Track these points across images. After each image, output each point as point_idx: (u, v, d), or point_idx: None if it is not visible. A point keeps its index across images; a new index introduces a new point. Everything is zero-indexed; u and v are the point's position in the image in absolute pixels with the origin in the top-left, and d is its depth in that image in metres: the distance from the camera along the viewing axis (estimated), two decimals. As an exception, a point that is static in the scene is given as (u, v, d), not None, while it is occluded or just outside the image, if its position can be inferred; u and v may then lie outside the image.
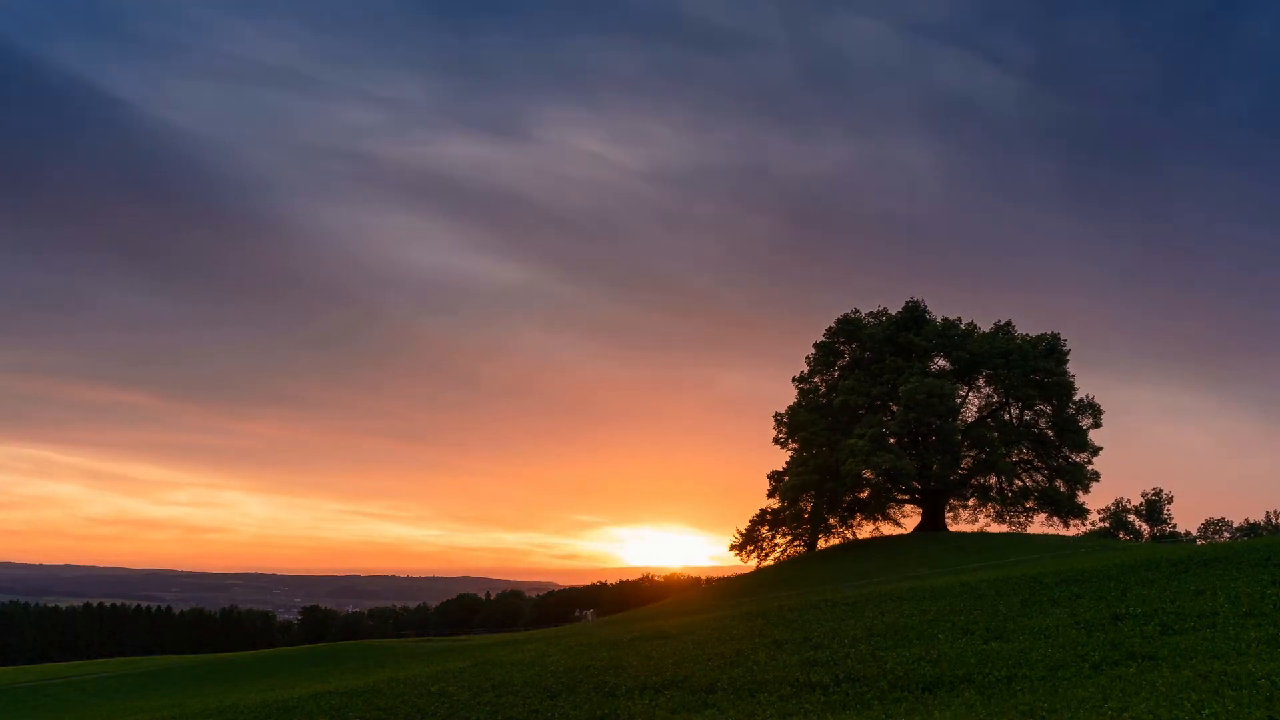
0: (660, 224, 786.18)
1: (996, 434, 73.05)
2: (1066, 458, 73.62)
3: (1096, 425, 73.24)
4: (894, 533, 77.11)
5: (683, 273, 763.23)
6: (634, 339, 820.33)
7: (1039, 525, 74.60)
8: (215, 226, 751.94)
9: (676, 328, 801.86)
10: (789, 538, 79.10)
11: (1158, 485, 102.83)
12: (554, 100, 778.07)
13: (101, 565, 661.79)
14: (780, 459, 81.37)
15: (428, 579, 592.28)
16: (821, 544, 78.49)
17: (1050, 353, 73.12)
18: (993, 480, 75.31)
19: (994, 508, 75.63)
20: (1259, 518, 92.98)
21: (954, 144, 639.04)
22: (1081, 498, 74.20)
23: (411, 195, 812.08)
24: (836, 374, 77.92)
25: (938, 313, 77.87)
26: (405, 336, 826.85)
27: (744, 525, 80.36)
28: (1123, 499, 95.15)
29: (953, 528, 74.87)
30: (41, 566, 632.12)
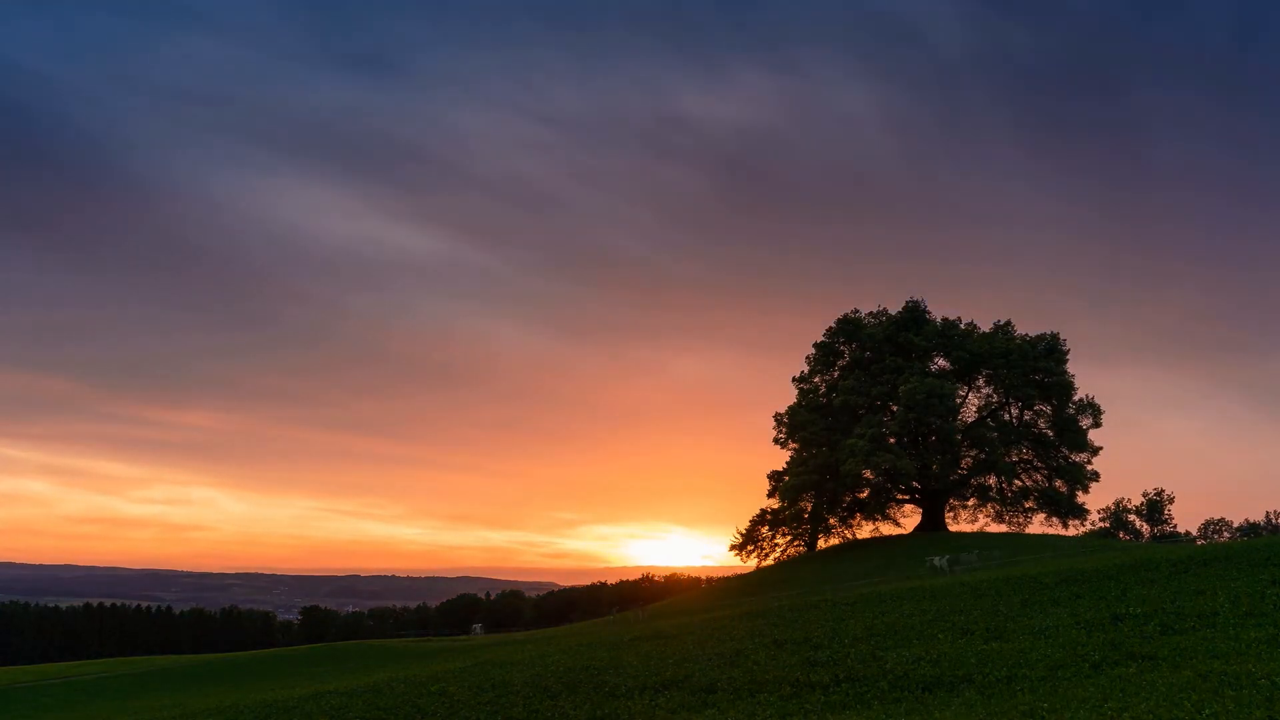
0: (578, 182, 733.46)
1: (996, 434, 73.05)
2: (1066, 458, 73.63)
3: (1096, 425, 73.30)
4: (894, 533, 77.15)
5: (616, 241, 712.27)
6: (577, 319, 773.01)
7: (1039, 525, 74.71)
8: (84, 187, 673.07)
9: (621, 306, 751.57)
10: (789, 538, 79.14)
11: (1158, 485, 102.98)
12: (436, 40, 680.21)
13: (101, 565, 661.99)
14: (779, 458, 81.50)
15: (428, 579, 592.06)
16: (821, 544, 78.51)
17: (1050, 353, 73.14)
18: (993, 480, 75.31)
19: (994, 508, 75.67)
20: (1259, 518, 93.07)
21: (896, 81, 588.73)
22: (1081, 498, 74.30)
23: (297, 148, 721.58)
24: (836, 374, 77.94)
25: (937, 311, 78.00)
26: (332, 316, 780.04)
27: (743, 525, 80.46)
28: (1123, 499, 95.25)
29: (953, 528, 74.86)
30: (41, 566, 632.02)
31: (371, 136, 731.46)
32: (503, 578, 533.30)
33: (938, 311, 78.01)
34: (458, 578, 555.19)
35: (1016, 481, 75.22)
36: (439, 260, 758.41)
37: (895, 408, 71.41)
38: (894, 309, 78.09)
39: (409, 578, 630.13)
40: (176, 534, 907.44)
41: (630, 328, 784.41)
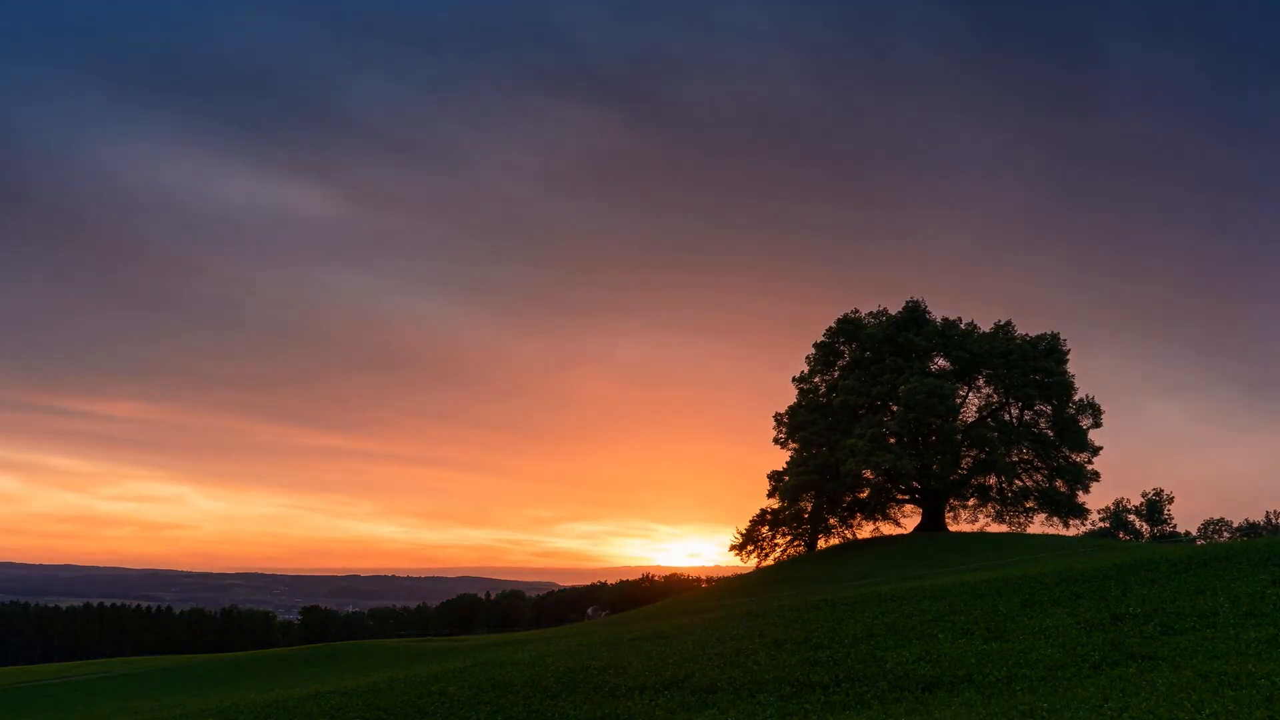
0: (466, 127, 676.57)
1: (996, 434, 73.05)
2: (1066, 458, 73.62)
3: (1097, 425, 73.30)
4: (894, 533, 77.15)
5: (528, 197, 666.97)
6: (505, 296, 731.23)
7: (1039, 525, 74.68)
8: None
9: (552, 281, 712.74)
10: (789, 538, 79.13)
11: (1157, 485, 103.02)
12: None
13: (102, 565, 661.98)
14: (779, 458, 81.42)
15: (428, 579, 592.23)
16: (821, 544, 78.51)
17: (1050, 352, 73.16)
18: (993, 480, 75.30)
19: (994, 508, 75.64)
20: (1259, 518, 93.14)
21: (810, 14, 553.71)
22: (1081, 498, 74.28)
23: (143, 87, 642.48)
24: (836, 374, 77.93)
25: (937, 311, 77.98)
26: (238, 293, 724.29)
27: (743, 525, 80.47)
28: (1123, 499, 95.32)
29: (953, 528, 74.87)
30: (41, 566, 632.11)
31: (211, 66, 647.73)
32: (500, 577, 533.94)
33: (938, 311, 78.08)
34: (458, 578, 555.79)
35: (1017, 481, 75.21)
36: (335, 223, 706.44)
37: (895, 408, 71.42)
38: (893, 309, 78.13)
39: (409, 578, 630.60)
40: (156, 533, 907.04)
41: (568, 308, 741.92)
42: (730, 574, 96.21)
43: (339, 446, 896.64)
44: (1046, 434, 74.33)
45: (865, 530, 78.68)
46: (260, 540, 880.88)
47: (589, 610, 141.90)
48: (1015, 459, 74.52)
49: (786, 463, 77.21)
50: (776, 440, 78.79)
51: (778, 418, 78.63)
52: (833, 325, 78.32)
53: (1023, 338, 74.74)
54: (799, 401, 77.97)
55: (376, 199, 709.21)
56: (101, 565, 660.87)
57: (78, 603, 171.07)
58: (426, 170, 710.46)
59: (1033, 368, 72.10)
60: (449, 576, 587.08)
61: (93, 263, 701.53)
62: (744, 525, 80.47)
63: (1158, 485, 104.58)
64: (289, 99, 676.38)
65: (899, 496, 76.90)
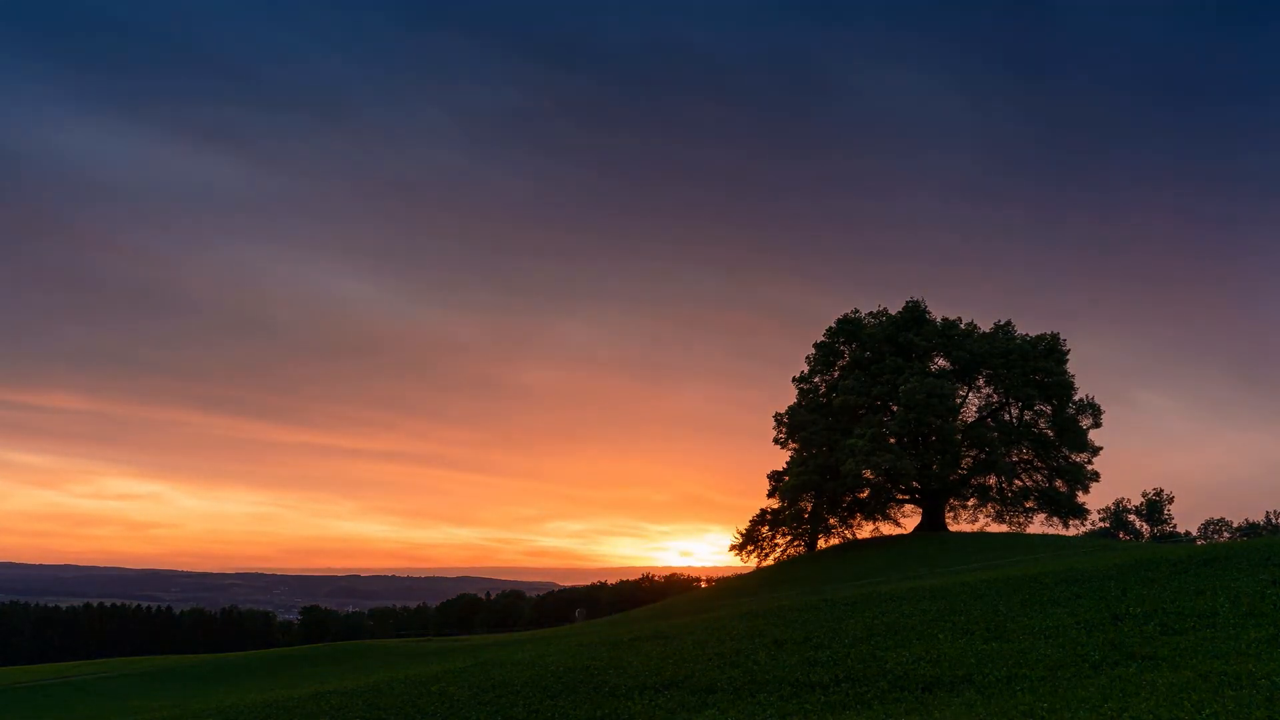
0: (382, 88, 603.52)
1: (996, 434, 73.05)
2: (1066, 458, 73.64)
3: (1096, 425, 73.32)
4: (894, 533, 77.17)
5: (445, 160, 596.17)
6: (429, 271, 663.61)
7: (1039, 525, 74.69)
8: None
9: (494, 257, 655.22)
10: (789, 538, 79.17)
11: (1157, 485, 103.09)
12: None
13: (102, 565, 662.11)
14: (779, 458, 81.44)
15: (428, 579, 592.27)
16: (821, 544, 78.53)
17: (1050, 353, 73.17)
18: (993, 480, 75.31)
19: (994, 508, 75.65)
20: (1259, 518, 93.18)
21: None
22: (1081, 498, 74.29)
23: (37, 51, 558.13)
24: (836, 374, 77.92)
25: (937, 311, 77.97)
26: (162, 273, 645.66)
27: (740, 524, 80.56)
28: (1123, 499, 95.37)
29: (953, 528, 74.88)
30: (41, 566, 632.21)
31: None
32: (497, 577, 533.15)
33: (938, 311, 78.09)
34: (457, 578, 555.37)
35: (1017, 481, 75.23)
36: (227, 185, 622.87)
37: (895, 408, 71.42)
38: (893, 309, 78.13)
39: (409, 578, 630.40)
40: (142, 532, 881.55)
41: (515, 289, 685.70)
42: (728, 574, 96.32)
43: (307, 442, 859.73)
44: (1046, 434, 74.34)
45: (865, 530, 78.77)
46: (247, 539, 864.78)
47: (575, 612, 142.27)
48: (1015, 459, 74.52)
49: (786, 463, 77.24)
50: (776, 440, 78.84)
51: (778, 418, 78.65)
52: (833, 325, 78.36)
53: (1023, 338, 74.75)
54: (799, 401, 77.96)
55: (294, 168, 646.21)
56: (101, 565, 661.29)
57: (78, 603, 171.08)
58: (351, 137, 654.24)
59: (1033, 368, 72.12)
60: (449, 576, 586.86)
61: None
62: (743, 525, 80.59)
63: (1157, 485, 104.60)
64: (202, 64, 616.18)
65: (899, 496, 76.91)
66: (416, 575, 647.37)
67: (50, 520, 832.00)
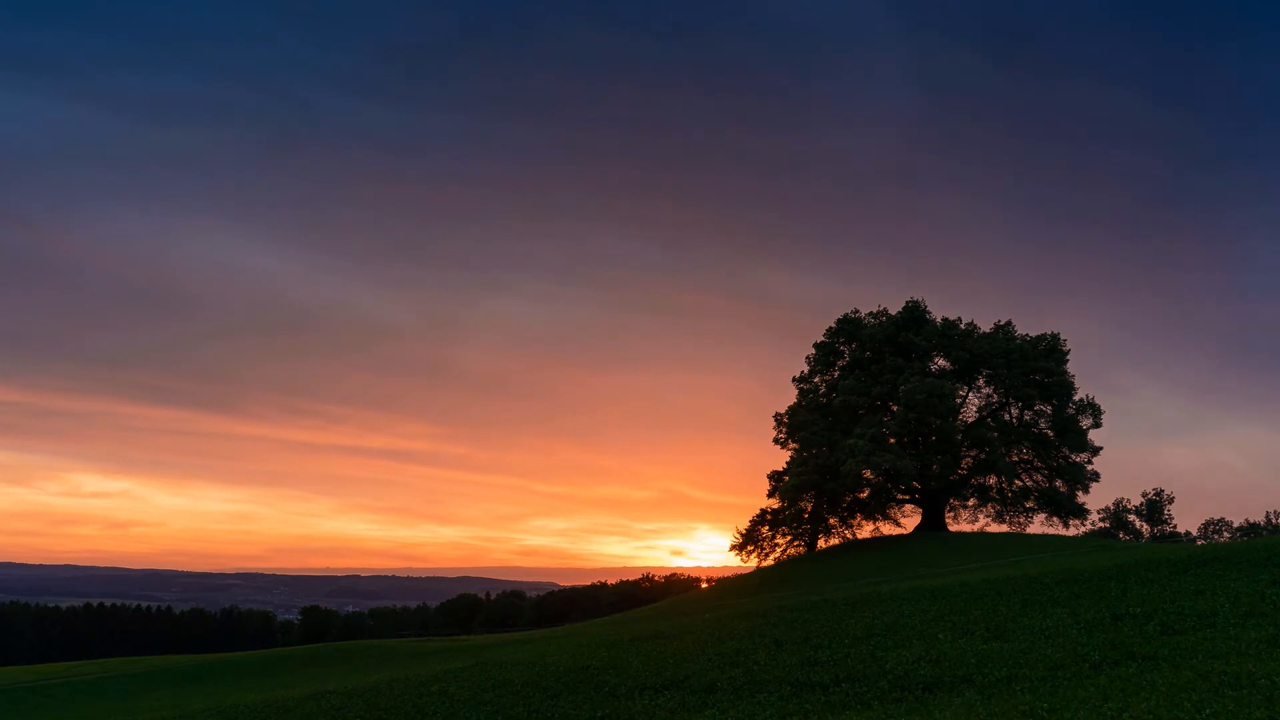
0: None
1: (996, 434, 73.02)
2: (1066, 458, 73.61)
3: (1096, 425, 73.27)
4: (894, 533, 77.15)
5: (350, 113, 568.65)
6: (357, 247, 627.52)
7: (1039, 525, 74.66)
8: None
9: (414, 228, 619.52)
10: (789, 538, 79.15)
11: (1157, 485, 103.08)
12: None
13: (102, 565, 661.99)
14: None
15: (428, 579, 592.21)
16: (821, 544, 78.51)
17: (1050, 353, 73.15)
18: (993, 480, 75.30)
19: (994, 508, 75.63)
20: (1259, 518, 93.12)
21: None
22: (1081, 498, 74.25)
23: None
24: (836, 374, 77.89)
25: (937, 311, 77.97)
26: (60, 245, 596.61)
27: (730, 523, 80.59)
28: (1123, 499, 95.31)
29: (953, 528, 74.86)
30: (41, 566, 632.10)
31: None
32: (495, 577, 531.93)
33: (938, 311, 78.09)
34: (458, 578, 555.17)
35: (1017, 481, 75.20)
36: (106, 143, 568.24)
37: (895, 408, 71.38)
38: (893, 309, 78.12)
39: (409, 578, 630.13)
40: (124, 530, 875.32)
41: (443, 263, 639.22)
42: (728, 574, 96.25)
43: (261, 435, 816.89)
44: (1046, 434, 74.31)
45: (865, 530, 78.75)
46: (232, 539, 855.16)
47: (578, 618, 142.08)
48: (1015, 459, 74.49)
49: (786, 463, 77.20)
50: (776, 440, 78.82)
51: (778, 418, 78.65)
52: (833, 325, 78.34)
53: (1023, 338, 74.74)
54: (799, 401, 77.93)
55: (188, 124, 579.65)
56: (101, 565, 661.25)
57: (78, 603, 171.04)
58: (253, 88, 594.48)
59: (1033, 368, 72.09)
60: (448, 576, 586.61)
61: None
62: (730, 522, 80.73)
63: (1142, 473, 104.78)
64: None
65: (899, 496, 76.89)
66: (416, 575, 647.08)
67: (28, 519, 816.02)
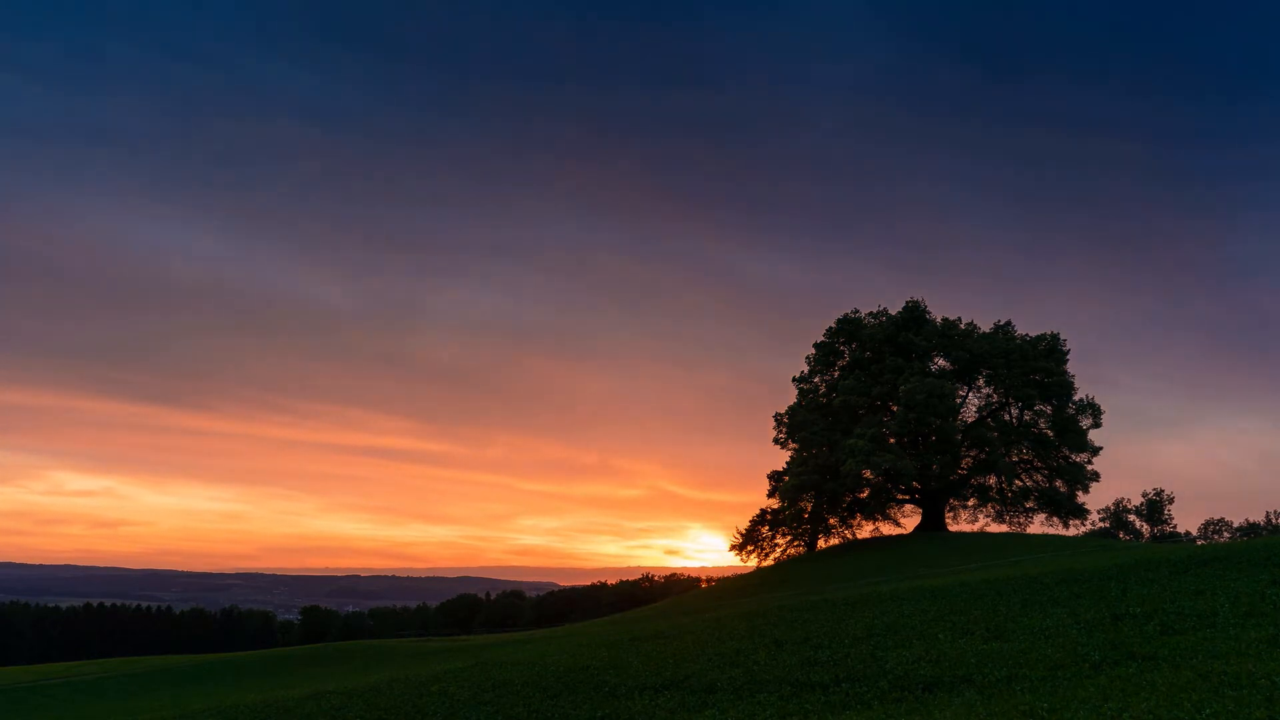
0: None
1: (996, 434, 73.04)
2: (1066, 458, 73.63)
3: (1096, 425, 73.29)
4: (894, 533, 77.18)
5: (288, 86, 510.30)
6: (296, 229, 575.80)
7: (1039, 525, 74.69)
8: None
9: (363, 210, 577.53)
10: (789, 538, 79.24)
11: (1157, 485, 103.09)
12: None
13: (102, 565, 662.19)
14: (775, 457, 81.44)
15: (428, 579, 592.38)
16: (821, 544, 78.54)
17: (1050, 353, 73.16)
18: (993, 480, 75.32)
19: (994, 508, 75.67)
20: (1259, 518, 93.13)
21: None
22: (1081, 498, 74.28)
23: None
24: (836, 374, 77.92)
25: (937, 311, 78.00)
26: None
27: (736, 524, 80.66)
28: (1123, 499, 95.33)
29: (953, 528, 74.88)
30: (41, 566, 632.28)
31: None
32: (490, 576, 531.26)
33: (938, 311, 78.12)
34: (458, 578, 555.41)
35: (1017, 481, 75.21)
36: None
37: (895, 408, 71.39)
38: (893, 309, 78.16)
39: (409, 578, 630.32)
40: (113, 530, 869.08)
41: (399, 247, 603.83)
42: (728, 574, 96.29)
43: (233, 431, 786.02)
44: (1046, 434, 74.34)
45: (865, 530, 78.82)
46: (225, 538, 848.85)
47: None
48: (1015, 459, 74.51)
49: (786, 463, 77.25)
50: (776, 440, 78.84)
51: (778, 418, 78.67)
52: (833, 325, 78.37)
53: (1023, 338, 74.76)
54: (799, 401, 77.95)
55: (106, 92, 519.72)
56: (101, 565, 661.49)
57: (78, 603, 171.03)
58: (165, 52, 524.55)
59: (1033, 368, 72.11)
60: (449, 576, 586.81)
61: None
62: (722, 520, 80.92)
63: (1146, 479, 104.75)
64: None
65: (899, 496, 76.91)
66: (416, 575, 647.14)
67: (13, 518, 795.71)
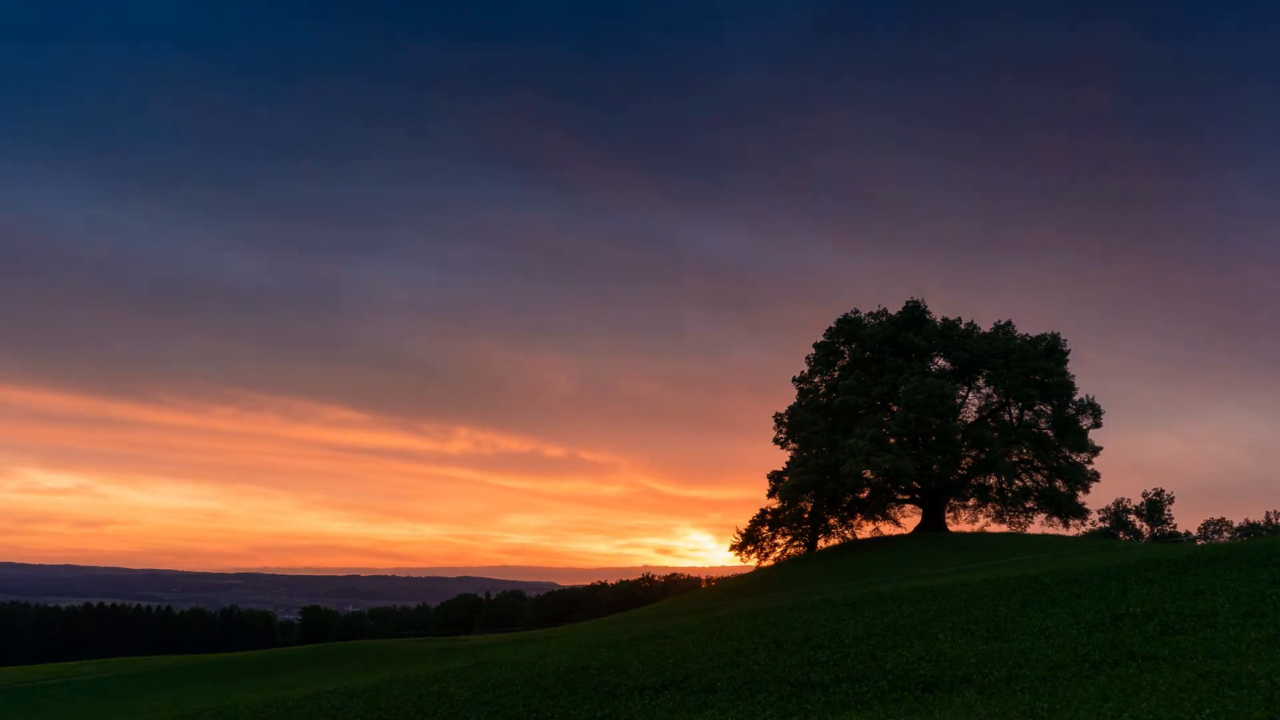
0: None
1: (996, 434, 73.06)
2: (1066, 458, 73.64)
3: (1096, 425, 73.30)
4: (894, 533, 77.18)
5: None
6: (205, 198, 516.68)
7: (1039, 525, 74.69)
8: None
9: (278, 179, 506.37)
10: (789, 538, 79.21)
11: (1157, 485, 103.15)
12: None
13: (102, 565, 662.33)
14: (780, 458, 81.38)
15: (428, 579, 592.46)
16: (821, 544, 78.54)
17: (1050, 353, 73.17)
18: (993, 480, 75.34)
19: (994, 508, 75.66)
20: (1259, 518, 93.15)
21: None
22: (1081, 498, 74.29)
23: None
24: (836, 374, 77.92)
25: (937, 311, 78.01)
26: None
27: (731, 522, 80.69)
28: (1123, 499, 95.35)
29: (953, 528, 74.89)
30: (41, 566, 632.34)
31: None
32: (499, 577, 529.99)
33: (938, 311, 78.14)
34: (458, 578, 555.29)
35: (1017, 481, 75.23)
36: None
37: (895, 408, 71.40)
38: (893, 309, 78.17)
39: (409, 578, 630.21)
40: (97, 529, 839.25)
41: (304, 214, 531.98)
42: (728, 574, 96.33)
43: (189, 425, 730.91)
44: (1046, 434, 74.35)
45: (865, 530, 78.80)
46: (208, 536, 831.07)
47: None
48: (1015, 459, 74.51)
49: (786, 463, 77.25)
50: (776, 440, 78.86)
51: (777, 418, 78.68)
52: (833, 325, 78.37)
53: (1023, 338, 74.78)
54: (799, 401, 77.96)
55: None
56: (101, 565, 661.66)
57: (78, 603, 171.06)
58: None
59: (1033, 368, 72.12)
60: (449, 576, 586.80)
61: None
62: (728, 521, 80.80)
63: (1137, 472, 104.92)
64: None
65: (899, 496, 76.92)
66: (416, 575, 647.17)
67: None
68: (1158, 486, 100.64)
